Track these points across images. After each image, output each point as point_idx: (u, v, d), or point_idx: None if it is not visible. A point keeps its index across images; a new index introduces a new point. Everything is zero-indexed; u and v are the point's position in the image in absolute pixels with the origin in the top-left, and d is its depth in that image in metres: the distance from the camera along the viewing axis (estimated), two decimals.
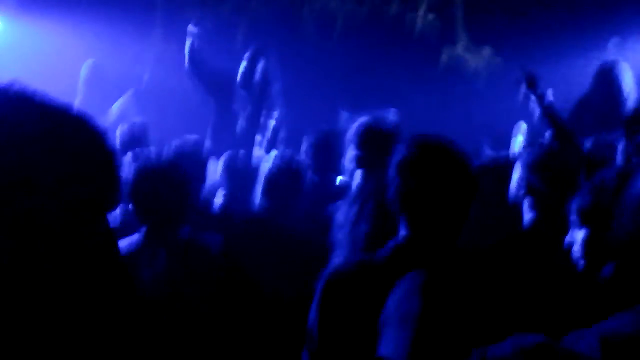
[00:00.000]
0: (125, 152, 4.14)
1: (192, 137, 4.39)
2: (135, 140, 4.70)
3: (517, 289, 2.18)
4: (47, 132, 1.36)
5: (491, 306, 2.03)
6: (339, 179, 4.37)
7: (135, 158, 3.63)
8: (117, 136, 4.80)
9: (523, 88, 4.18)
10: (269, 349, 3.00)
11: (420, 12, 7.86)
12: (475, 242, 3.10)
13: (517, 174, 3.02)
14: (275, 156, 4.04)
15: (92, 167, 1.42)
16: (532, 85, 4.12)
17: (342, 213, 3.32)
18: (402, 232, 2.13)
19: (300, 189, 3.94)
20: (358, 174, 3.70)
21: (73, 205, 1.38)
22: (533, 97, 4.11)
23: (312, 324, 2.11)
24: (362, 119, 3.75)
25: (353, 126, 3.75)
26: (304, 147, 4.51)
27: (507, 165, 3.51)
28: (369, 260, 2.13)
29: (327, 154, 4.38)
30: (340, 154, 4.14)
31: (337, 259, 3.12)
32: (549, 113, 4.00)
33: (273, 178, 3.92)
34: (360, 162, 3.64)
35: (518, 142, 5.15)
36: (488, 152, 5.19)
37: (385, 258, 2.10)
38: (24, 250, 1.34)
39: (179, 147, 4.14)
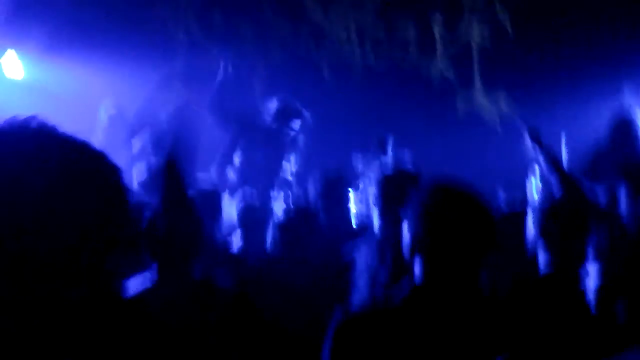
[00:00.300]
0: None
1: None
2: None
3: (534, 330, 2.17)
4: (64, 167, 1.38)
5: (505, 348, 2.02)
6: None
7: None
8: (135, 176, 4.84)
9: (528, 140, 4.24)
10: None
11: (437, 61, 7.93)
12: (495, 287, 3.10)
13: (531, 220, 3.04)
14: (288, 199, 4.09)
15: (106, 203, 1.43)
16: (536, 137, 4.19)
17: (362, 256, 3.31)
18: (418, 275, 2.12)
19: (313, 232, 3.96)
20: (376, 216, 3.70)
21: (85, 240, 1.40)
22: (538, 149, 4.16)
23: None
24: (382, 166, 3.80)
25: (374, 166, 3.79)
26: (313, 188, 4.55)
27: (522, 211, 3.53)
28: (383, 307, 2.12)
29: (336, 195, 4.39)
30: (347, 197, 4.18)
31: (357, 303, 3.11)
32: (554, 163, 4.04)
33: (287, 222, 3.96)
34: (380, 202, 3.65)
35: (532, 184, 5.16)
36: (501, 195, 5.18)
37: (400, 301, 2.08)
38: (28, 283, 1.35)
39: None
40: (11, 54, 7.13)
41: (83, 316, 1.43)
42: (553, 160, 4.07)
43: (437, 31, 7.93)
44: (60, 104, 6.77)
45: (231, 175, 6.23)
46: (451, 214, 2.12)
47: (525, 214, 3.55)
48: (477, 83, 7.86)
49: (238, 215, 4.51)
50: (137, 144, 6.20)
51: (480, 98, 7.80)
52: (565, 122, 6.35)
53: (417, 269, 2.14)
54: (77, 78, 7.23)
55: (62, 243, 1.37)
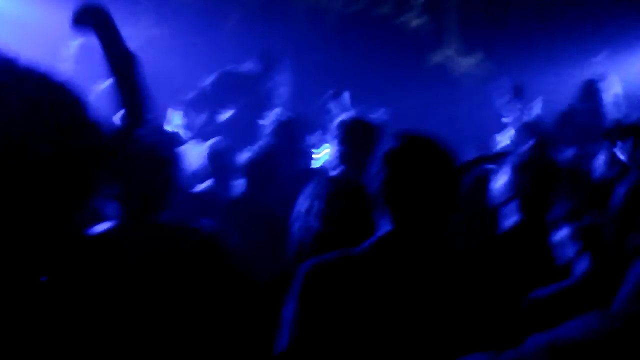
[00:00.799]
0: None
1: None
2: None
3: (497, 287, 2.19)
4: (27, 96, 1.36)
5: (465, 303, 2.04)
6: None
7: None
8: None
9: (508, 96, 4.25)
10: (249, 335, 2.99)
11: (414, 13, 7.86)
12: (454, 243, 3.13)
13: (503, 177, 3.04)
14: (255, 146, 4.16)
15: (69, 131, 1.41)
16: (519, 94, 4.20)
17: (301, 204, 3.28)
18: (385, 227, 2.12)
19: (275, 175, 4.04)
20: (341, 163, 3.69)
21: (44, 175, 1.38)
22: (518, 105, 4.17)
23: (288, 317, 2.06)
24: (347, 115, 3.77)
25: (337, 121, 3.76)
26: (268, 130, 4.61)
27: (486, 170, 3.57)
28: (351, 255, 2.10)
29: (292, 139, 4.54)
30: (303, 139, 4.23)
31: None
32: (531, 122, 4.07)
33: (251, 165, 4.03)
34: (342, 157, 3.64)
35: (505, 144, 5.20)
36: (472, 151, 5.21)
37: (367, 252, 2.07)
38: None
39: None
40: None
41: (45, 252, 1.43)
42: (529, 118, 4.10)
43: None
44: (29, 35, 6.62)
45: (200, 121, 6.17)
46: (420, 160, 2.11)
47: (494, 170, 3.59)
48: (453, 38, 7.83)
49: (207, 163, 4.54)
50: (105, 81, 6.09)
51: (455, 53, 7.78)
52: (540, 84, 6.39)
53: (383, 219, 2.13)
54: (46, 9, 7.05)
55: (22, 176, 1.35)
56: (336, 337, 2.00)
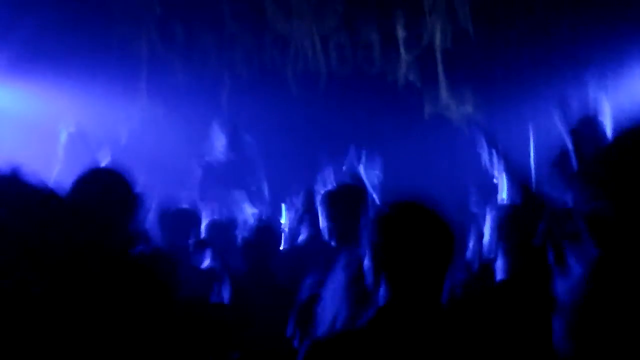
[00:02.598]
0: None
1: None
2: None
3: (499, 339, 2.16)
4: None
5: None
6: None
7: None
8: None
9: (485, 146, 4.26)
10: None
11: (402, 69, 7.94)
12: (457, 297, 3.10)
13: (487, 233, 3.04)
14: (254, 218, 4.13)
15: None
16: (493, 143, 4.21)
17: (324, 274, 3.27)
18: (383, 296, 2.10)
19: (276, 248, 4.02)
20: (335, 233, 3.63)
21: None
22: (495, 155, 4.18)
23: None
24: (327, 190, 3.75)
25: (321, 197, 3.72)
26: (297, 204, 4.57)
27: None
28: (352, 330, 2.11)
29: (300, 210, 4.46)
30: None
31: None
32: (509, 170, 4.07)
33: (250, 239, 4.01)
34: (332, 234, 3.57)
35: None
36: (474, 208, 5.18)
37: (368, 324, 2.07)
38: None
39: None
40: None
41: None
42: (508, 168, 4.08)
43: (400, 34, 7.93)
44: (20, 127, 6.71)
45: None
46: (415, 227, 2.10)
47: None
48: (442, 85, 7.87)
49: (206, 234, 4.54)
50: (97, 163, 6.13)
51: (446, 99, 7.81)
52: (532, 119, 6.38)
53: (381, 289, 2.12)
54: (36, 101, 7.15)
55: None
56: None
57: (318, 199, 4.39)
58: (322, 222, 3.61)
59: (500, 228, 2.97)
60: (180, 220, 4.22)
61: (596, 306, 2.11)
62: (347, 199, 3.58)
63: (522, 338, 2.39)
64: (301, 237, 4.50)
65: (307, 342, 2.14)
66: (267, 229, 4.23)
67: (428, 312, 2.08)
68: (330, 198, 3.61)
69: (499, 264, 2.95)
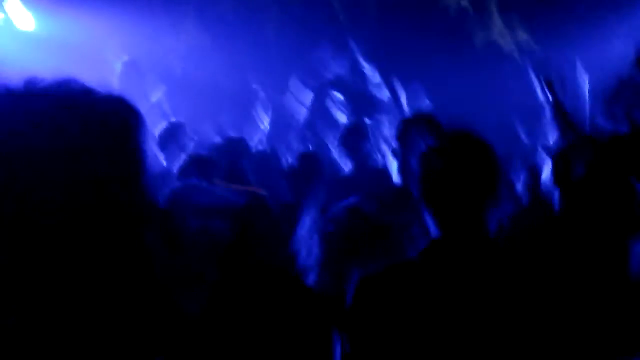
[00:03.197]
0: (162, 149, 4.23)
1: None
2: (173, 138, 4.75)
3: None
4: (83, 125, 1.37)
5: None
6: None
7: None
8: (156, 134, 4.86)
9: (542, 89, 4.22)
10: None
11: None
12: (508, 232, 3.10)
13: (547, 166, 3.01)
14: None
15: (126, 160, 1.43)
16: (550, 87, 4.16)
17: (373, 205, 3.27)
18: (433, 230, 2.12)
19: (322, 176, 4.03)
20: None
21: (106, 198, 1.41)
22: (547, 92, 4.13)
23: (348, 326, 2.10)
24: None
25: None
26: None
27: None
28: (403, 262, 2.11)
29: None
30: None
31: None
32: (562, 114, 4.02)
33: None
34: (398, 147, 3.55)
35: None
36: (524, 141, 5.14)
37: (418, 258, 2.07)
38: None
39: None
40: (17, 4, 7.07)
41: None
42: (559, 107, 4.03)
43: None
44: (72, 55, 6.76)
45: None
46: (457, 163, 2.09)
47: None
48: (494, 11, 7.71)
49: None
50: (153, 95, 6.19)
51: (498, 26, 7.66)
52: (582, 48, 6.24)
53: (429, 221, 2.12)
54: (87, 29, 7.17)
55: (83, 199, 1.38)
56: (391, 347, 2.01)
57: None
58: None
59: (554, 165, 2.93)
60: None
61: None
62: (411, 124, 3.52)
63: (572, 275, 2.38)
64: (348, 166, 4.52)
65: (357, 275, 2.14)
66: (313, 157, 4.25)
67: (475, 244, 2.08)
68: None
69: (554, 201, 2.92)
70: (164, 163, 4.26)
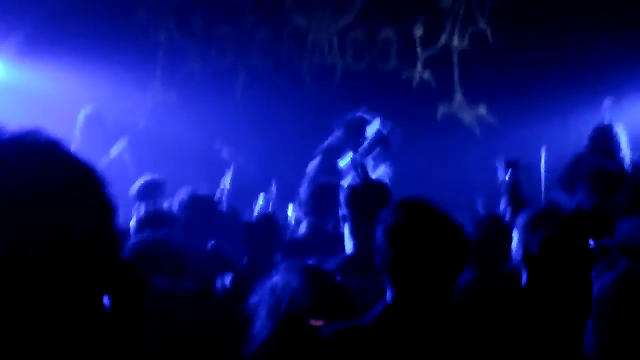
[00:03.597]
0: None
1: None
2: (150, 193, 4.78)
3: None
4: (45, 177, 1.35)
5: None
6: None
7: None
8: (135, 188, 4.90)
9: (505, 172, 4.36)
10: None
11: (418, 69, 7.94)
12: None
13: (515, 237, 3.03)
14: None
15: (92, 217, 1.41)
16: (514, 168, 4.32)
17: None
18: (390, 296, 2.10)
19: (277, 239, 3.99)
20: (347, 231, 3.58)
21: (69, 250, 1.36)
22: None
23: None
24: (353, 183, 3.71)
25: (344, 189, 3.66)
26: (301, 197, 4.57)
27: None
28: (359, 325, 2.08)
29: (324, 205, 4.37)
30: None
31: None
32: (515, 193, 4.17)
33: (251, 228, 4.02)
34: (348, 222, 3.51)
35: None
36: (480, 211, 5.18)
37: (374, 321, 2.06)
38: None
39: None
40: None
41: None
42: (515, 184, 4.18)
43: (418, 37, 7.94)
44: (37, 107, 6.73)
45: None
46: (422, 236, 2.09)
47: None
48: (458, 89, 7.87)
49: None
50: (115, 148, 6.17)
51: (461, 104, 7.82)
52: (546, 134, 6.39)
53: (389, 288, 2.11)
54: (55, 81, 7.18)
55: (44, 253, 1.35)
56: None
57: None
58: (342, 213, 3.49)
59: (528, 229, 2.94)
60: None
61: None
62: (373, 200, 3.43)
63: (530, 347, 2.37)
64: (303, 229, 4.50)
65: (313, 337, 2.11)
66: (271, 218, 4.25)
67: (435, 314, 2.07)
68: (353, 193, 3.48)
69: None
70: (134, 215, 4.25)
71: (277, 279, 2.41)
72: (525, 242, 2.89)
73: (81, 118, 6.35)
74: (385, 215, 2.15)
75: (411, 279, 2.06)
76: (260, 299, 2.39)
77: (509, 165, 4.37)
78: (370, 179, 3.97)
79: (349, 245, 3.25)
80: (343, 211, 3.38)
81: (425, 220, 2.10)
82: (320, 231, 4.32)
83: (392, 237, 2.09)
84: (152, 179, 5.03)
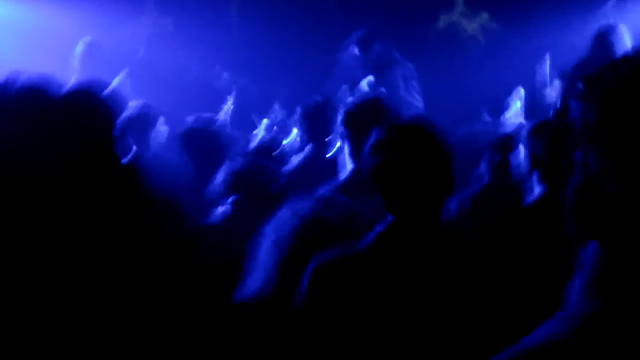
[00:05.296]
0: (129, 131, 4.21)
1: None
2: (139, 120, 4.73)
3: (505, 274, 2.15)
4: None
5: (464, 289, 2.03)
6: None
7: None
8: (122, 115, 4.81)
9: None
10: None
11: None
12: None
13: (521, 149, 2.98)
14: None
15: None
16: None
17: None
18: (384, 220, 2.11)
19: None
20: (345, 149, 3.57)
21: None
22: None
23: (300, 314, 2.09)
24: (350, 100, 3.67)
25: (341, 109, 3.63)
26: (296, 117, 4.50)
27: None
28: (353, 251, 2.09)
29: (319, 124, 4.25)
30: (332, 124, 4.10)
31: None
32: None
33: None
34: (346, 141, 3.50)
35: (515, 107, 5.12)
36: (487, 119, 5.16)
37: (369, 247, 2.07)
38: None
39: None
40: None
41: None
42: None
43: None
44: (35, 40, 6.66)
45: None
46: (407, 153, 2.09)
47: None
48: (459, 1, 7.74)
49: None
50: (115, 79, 6.11)
51: (460, 16, 7.69)
52: (548, 41, 6.30)
53: (382, 210, 2.13)
54: (47, 14, 7.08)
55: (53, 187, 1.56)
56: (346, 335, 2.01)
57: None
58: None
59: (536, 135, 2.88)
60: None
61: None
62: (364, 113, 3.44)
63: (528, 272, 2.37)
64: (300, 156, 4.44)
65: (310, 266, 2.10)
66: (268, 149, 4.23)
67: (428, 233, 2.07)
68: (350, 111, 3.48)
69: (534, 181, 2.88)
70: (134, 148, 4.22)
71: (284, 210, 2.42)
72: (531, 150, 2.87)
73: (79, 49, 6.28)
74: (373, 132, 2.18)
75: (399, 195, 2.07)
76: (266, 230, 2.41)
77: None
78: (368, 95, 3.94)
79: (348, 164, 3.29)
80: (341, 130, 3.41)
81: (408, 135, 2.12)
82: (318, 155, 4.20)
83: (377, 154, 2.11)
84: (138, 107, 4.91)
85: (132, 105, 4.69)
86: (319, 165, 4.02)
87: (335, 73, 6.40)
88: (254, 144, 4.82)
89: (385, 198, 2.09)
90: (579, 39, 5.68)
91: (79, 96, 2.76)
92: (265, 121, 5.20)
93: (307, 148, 4.23)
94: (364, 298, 2.02)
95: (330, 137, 4.14)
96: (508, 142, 3.38)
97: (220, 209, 3.21)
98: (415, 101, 5.78)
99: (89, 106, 2.74)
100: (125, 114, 4.70)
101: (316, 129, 4.25)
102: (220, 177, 3.26)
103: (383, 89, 5.01)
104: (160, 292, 2.24)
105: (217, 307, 2.42)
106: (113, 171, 2.15)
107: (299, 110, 4.45)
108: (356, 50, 5.90)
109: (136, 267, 2.14)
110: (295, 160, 4.28)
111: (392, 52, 6.02)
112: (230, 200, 3.20)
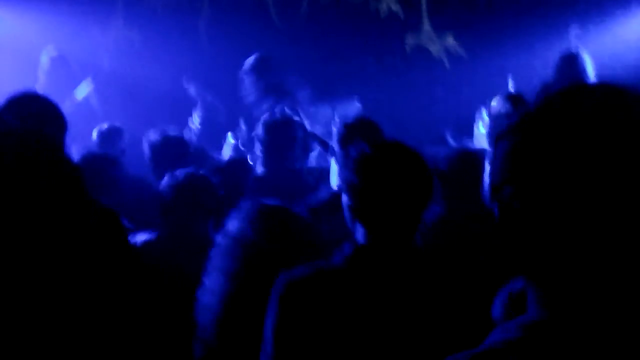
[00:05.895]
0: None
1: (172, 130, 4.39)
2: (110, 140, 4.72)
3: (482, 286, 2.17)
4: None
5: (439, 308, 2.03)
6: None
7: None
8: (94, 134, 4.81)
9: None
10: None
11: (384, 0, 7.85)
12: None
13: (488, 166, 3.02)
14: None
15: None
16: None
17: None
18: (359, 235, 2.11)
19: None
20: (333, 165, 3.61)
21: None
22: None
23: (268, 332, 2.06)
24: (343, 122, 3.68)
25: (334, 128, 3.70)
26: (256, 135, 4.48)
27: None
28: (326, 267, 2.08)
29: (279, 143, 4.24)
30: (292, 144, 4.12)
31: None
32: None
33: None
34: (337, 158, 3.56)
35: (480, 130, 5.17)
36: (451, 143, 5.20)
37: (343, 263, 2.06)
38: None
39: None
40: None
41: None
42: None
43: None
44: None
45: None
46: (389, 167, 2.10)
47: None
48: (425, 19, 7.81)
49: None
50: (81, 90, 6.06)
51: (428, 37, 7.76)
52: (512, 63, 6.39)
53: (358, 228, 2.12)
54: (14, 25, 6.99)
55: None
56: (318, 353, 2.00)
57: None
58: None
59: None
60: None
61: None
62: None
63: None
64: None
65: (280, 280, 2.10)
66: (242, 160, 4.22)
67: (403, 252, 2.08)
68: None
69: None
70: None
71: (230, 225, 2.41)
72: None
73: (45, 60, 6.21)
74: (352, 149, 2.17)
75: (379, 215, 2.07)
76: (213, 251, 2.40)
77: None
78: (362, 117, 3.96)
79: (336, 181, 3.34)
80: (334, 146, 3.47)
81: (390, 151, 2.13)
82: (279, 168, 4.20)
83: (359, 171, 2.10)
84: (109, 125, 4.91)
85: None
86: (280, 179, 4.04)
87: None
88: (221, 158, 4.82)
89: (365, 220, 2.08)
90: (541, 62, 5.78)
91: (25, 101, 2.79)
92: (229, 136, 5.19)
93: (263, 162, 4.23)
94: (336, 316, 2.01)
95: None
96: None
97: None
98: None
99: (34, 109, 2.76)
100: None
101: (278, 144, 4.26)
102: (162, 188, 3.25)
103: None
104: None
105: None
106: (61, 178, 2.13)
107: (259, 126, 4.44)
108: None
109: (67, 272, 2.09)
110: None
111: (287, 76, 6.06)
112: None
